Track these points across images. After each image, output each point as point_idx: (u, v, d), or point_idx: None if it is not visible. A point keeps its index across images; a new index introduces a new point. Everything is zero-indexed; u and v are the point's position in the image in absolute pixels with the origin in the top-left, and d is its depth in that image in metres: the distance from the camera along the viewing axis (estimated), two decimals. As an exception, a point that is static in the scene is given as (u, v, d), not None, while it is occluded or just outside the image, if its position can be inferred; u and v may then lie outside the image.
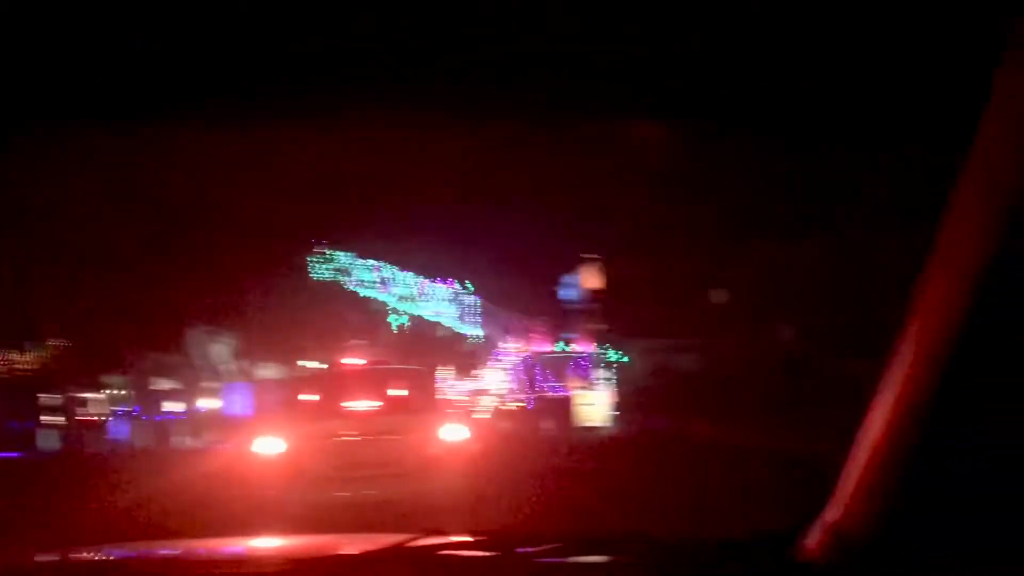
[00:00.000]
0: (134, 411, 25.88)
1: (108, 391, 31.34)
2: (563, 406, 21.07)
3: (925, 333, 1.32)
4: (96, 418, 27.12)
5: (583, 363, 23.30)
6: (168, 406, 29.32)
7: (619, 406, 20.84)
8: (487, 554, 2.09)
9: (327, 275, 34.18)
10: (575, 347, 24.33)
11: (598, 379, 22.53)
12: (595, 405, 20.55)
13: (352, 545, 2.36)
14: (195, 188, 19.70)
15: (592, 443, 18.07)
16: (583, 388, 21.80)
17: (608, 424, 20.31)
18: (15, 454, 19.50)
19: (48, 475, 15.42)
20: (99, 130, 15.13)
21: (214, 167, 18.31)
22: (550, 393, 23.05)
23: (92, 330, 22.96)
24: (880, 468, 1.43)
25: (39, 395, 25.43)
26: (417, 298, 34.11)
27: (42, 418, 25.13)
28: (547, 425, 20.79)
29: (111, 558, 2.48)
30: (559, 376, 23.62)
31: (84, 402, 28.58)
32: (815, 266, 21.86)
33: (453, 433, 9.71)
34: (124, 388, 28.69)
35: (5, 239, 15.39)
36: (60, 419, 24.61)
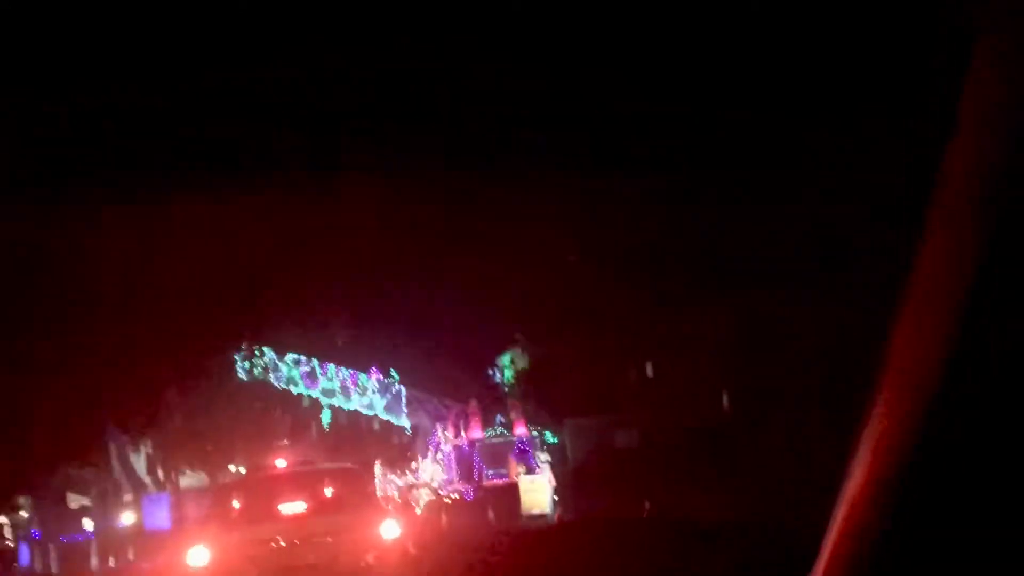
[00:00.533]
0: (34, 535, 24.04)
1: (21, 513, 29.39)
2: (507, 495, 20.13)
3: (897, 400, 1.31)
4: (7, 545, 25.20)
5: (524, 448, 22.49)
6: (82, 524, 27.45)
7: (559, 490, 19.96)
8: None
9: (253, 374, 33.04)
10: (512, 431, 23.61)
11: (539, 463, 21.70)
12: (539, 492, 19.57)
13: None
14: (104, 288, 18.83)
15: (540, 533, 17.29)
16: (527, 474, 20.87)
17: (552, 510, 19.38)
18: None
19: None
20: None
21: (125, 267, 17.59)
22: (493, 481, 22.17)
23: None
24: (858, 540, 1.42)
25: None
26: (345, 391, 33.16)
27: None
28: (492, 516, 19.89)
29: None
30: (499, 463, 22.82)
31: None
32: (733, 331, 22.18)
33: (389, 531, 9.35)
34: (27, 509, 26.79)
35: None
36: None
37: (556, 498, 19.61)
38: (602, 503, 19.93)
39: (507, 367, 26.12)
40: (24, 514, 27.80)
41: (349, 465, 12.34)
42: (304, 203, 18.01)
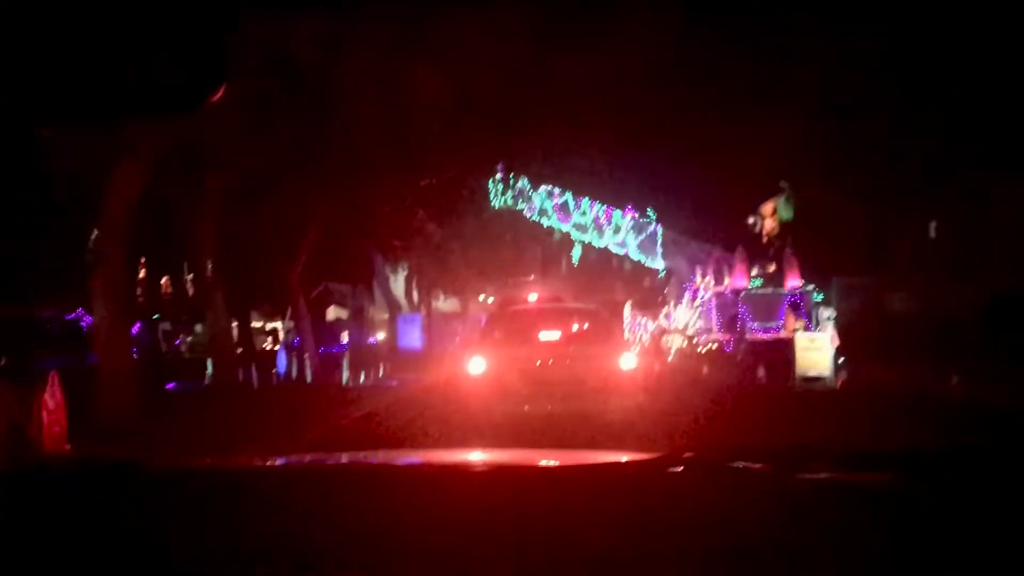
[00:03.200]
0: (294, 343, 25.08)
1: (281, 322, 31.25)
2: (778, 352, 18.16)
3: None
4: (265, 349, 26.68)
5: (798, 301, 20.29)
6: (339, 337, 28.67)
7: (843, 352, 17.65)
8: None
9: (506, 202, 32.63)
10: (784, 284, 21.40)
11: (819, 320, 19.47)
12: (820, 351, 17.44)
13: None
14: (366, 112, 18.37)
15: (822, 396, 15.36)
16: (803, 331, 18.73)
17: (831, 374, 17.28)
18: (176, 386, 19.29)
19: (218, 406, 15.06)
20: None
21: (383, 91, 16.94)
22: (760, 335, 20.27)
23: (259, 257, 22.28)
24: None
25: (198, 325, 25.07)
26: (597, 227, 32.10)
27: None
28: (762, 374, 18.15)
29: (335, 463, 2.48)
30: (765, 316, 20.84)
31: (260, 332, 28.47)
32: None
33: (626, 363, 11.32)
34: (289, 318, 28.13)
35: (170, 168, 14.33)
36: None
37: (840, 361, 17.38)
38: (874, 372, 17.76)
39: (772, 215, 23.81)
40: (292, 322, 29.50)
41: (596, 307, 14.03)
42: (570, 30, 17.12)
